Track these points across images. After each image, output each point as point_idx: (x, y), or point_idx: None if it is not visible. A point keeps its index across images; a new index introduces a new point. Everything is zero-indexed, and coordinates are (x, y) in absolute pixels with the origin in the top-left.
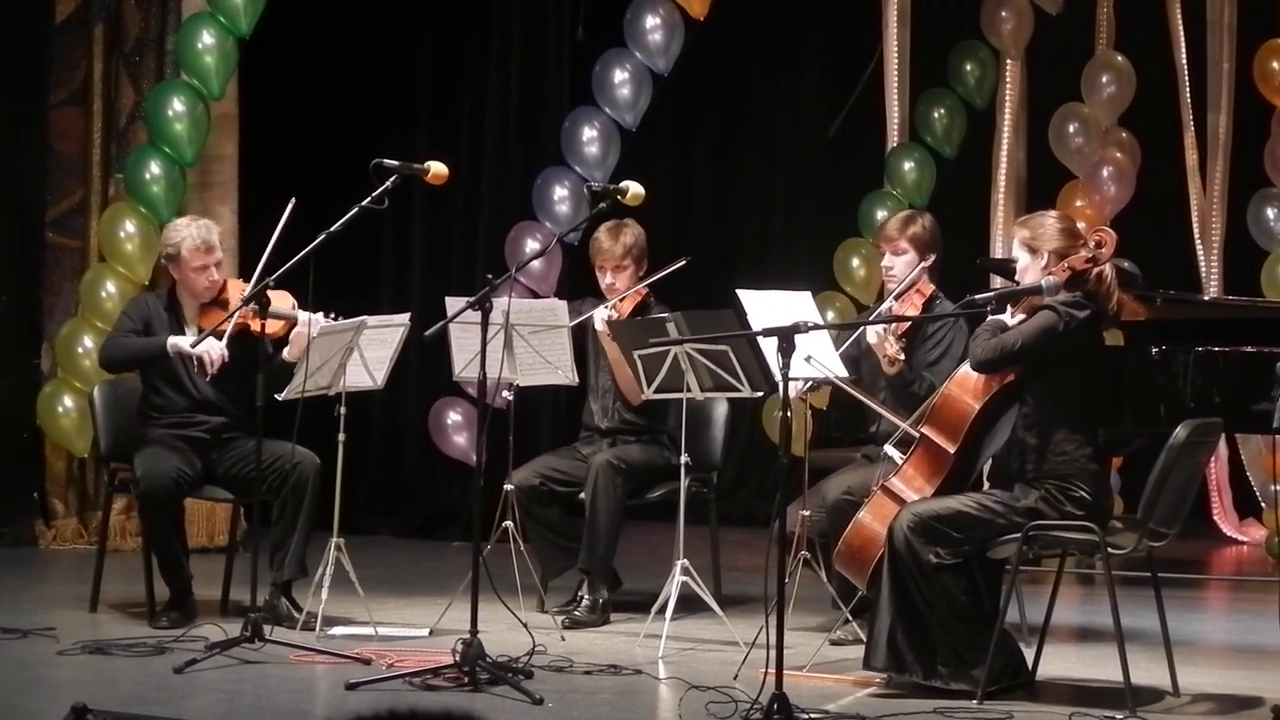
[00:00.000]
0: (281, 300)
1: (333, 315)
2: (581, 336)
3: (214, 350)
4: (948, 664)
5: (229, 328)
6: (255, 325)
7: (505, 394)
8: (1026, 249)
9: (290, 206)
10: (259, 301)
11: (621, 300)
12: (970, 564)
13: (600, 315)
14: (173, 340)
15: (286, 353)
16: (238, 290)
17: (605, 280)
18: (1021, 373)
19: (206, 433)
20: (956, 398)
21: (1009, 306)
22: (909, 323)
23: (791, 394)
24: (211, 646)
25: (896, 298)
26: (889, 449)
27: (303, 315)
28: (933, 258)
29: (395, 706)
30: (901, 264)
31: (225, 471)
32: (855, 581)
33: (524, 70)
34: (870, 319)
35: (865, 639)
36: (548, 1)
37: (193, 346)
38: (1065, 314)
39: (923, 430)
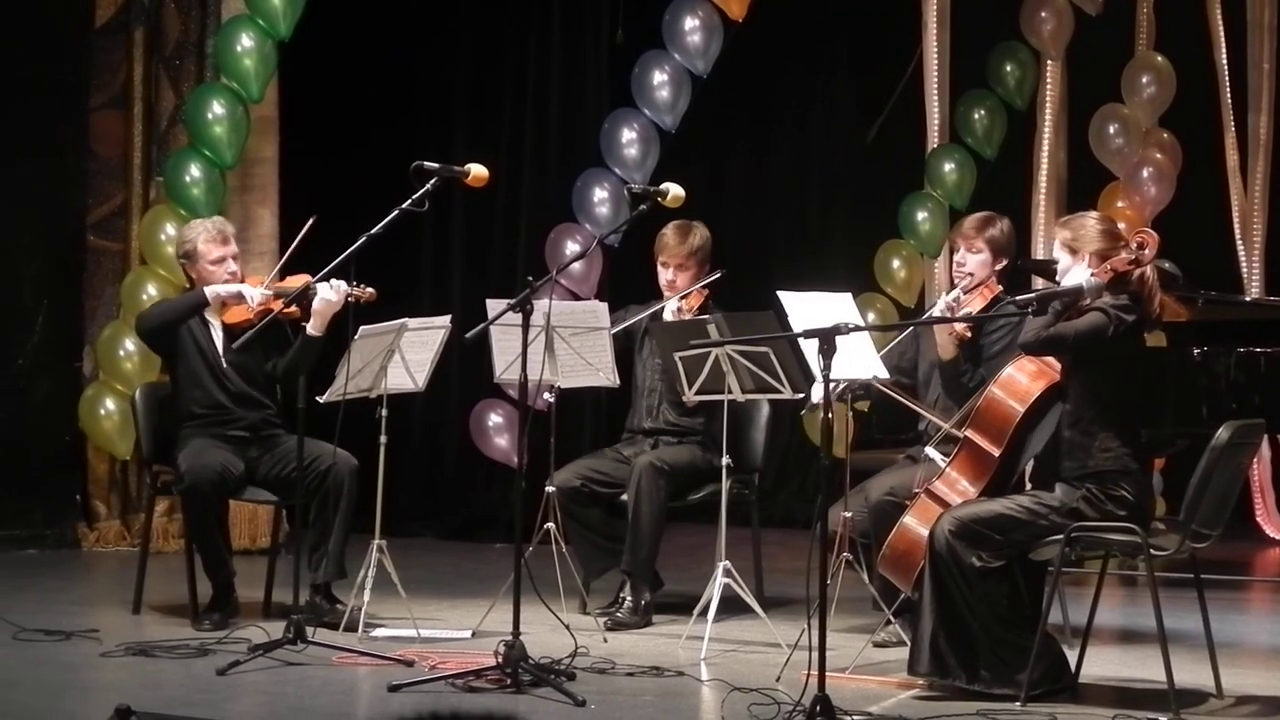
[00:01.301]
0: (294, 281)
1: (356, 284)
2: (626, 339)
3: (254, 295)
4: (990, 668)
5: (259, 325)
6: (278, 308)
7: (547, 396)
8: (1068, 250)
9: (310, 223)
10: (300, 302)
11: (685, 297)
12: (1012, 567)
13: (671, 307)
14: (209, 289)
15: (311, 327)
16: (254, 284)
17: (666, 276)
18: (1064, 374)
19: (246, 429)
20: (1002, 400)
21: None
22: (962, 321)
23: (832, 397)
24: (254, 648)
25: (965, 290)
26: (930, 450)
27: (321, 286)
28: (1005, 261)
29: (437, 709)
30: (975, 262)
31: (267, 473)
32: (900, 585)
33: (563, 72)
34: (925, 316)
35: (908, 641)
36: (586, 3)
37: (231, 286)
38: (1115, 317)
39: (966, 434)
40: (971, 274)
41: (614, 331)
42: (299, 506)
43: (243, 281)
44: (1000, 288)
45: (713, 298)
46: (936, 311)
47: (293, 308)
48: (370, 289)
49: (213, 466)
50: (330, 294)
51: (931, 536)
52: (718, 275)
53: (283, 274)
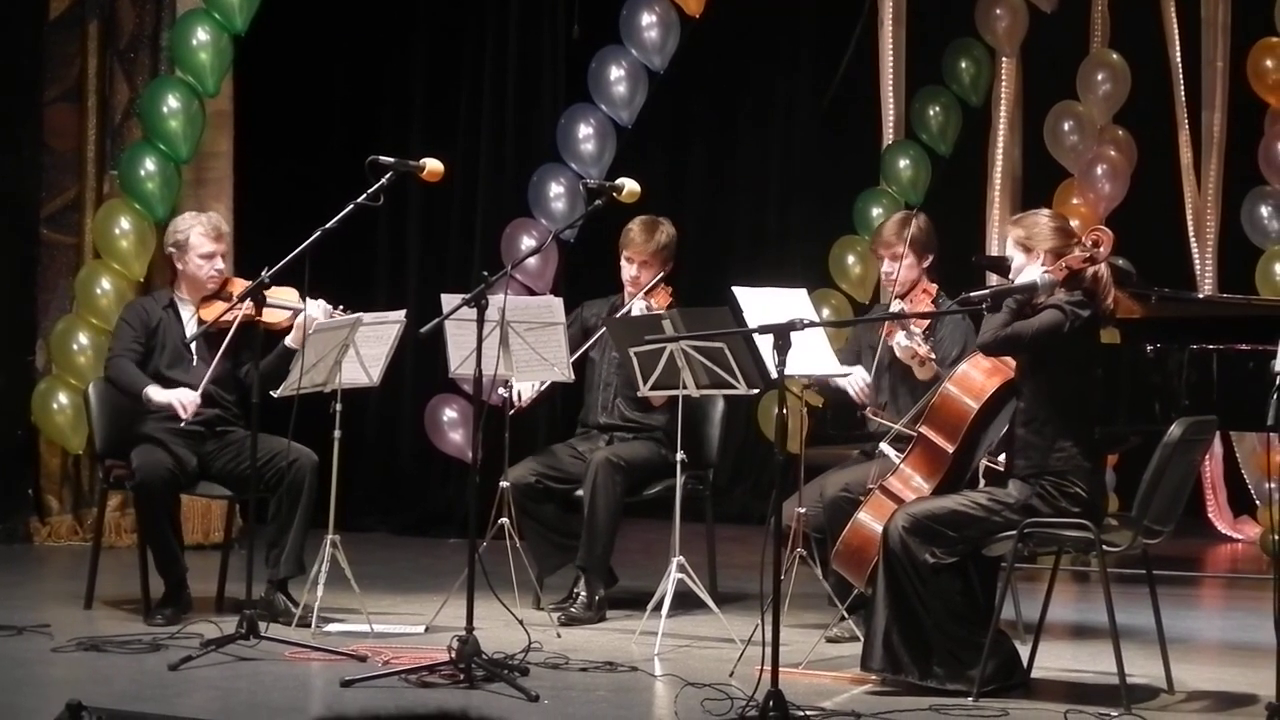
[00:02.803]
0: (286, 294)
1: (340, 308)
2: (580, 334)
3: (187, 401)
4: (944, 665)
5: (231, 331)
6: (259, 316)
7: (501, 391)
8: (1021, 249)
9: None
10: (255, 298)
11: (650, 292)
12: (966, 563)
13: (639, 306)
14: (146, 391)
15: (290, 339)
16: (238, 287)
17: (630, 272)
18: (1019, 371)
19: (201, 424)
20: (956, 398)
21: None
22: (917, 319)
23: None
24: (207, 643)
25: (901, 297)
26: (885, 447)
27: (309, 304)
28: (930, 257)
29: (389, 709)
30: (902, 269)
31: (221, 467)
32: (854, 581)
33: (520, 67)
34: (869, 317)
35: (861, 637)
36: None
37: (166, 394)
38: (1071, 313)
39: (921, 430)
40: (899, 282)
41: (584, 351)
42: (253, 502)
43: (225, 284)
44: (935, 285)
45: (677, 298)
46: (896, 344)
47: (277, 319)
48: (357, 314)
49: (164, 462)
50: (315, 313)
51: (885, 533)
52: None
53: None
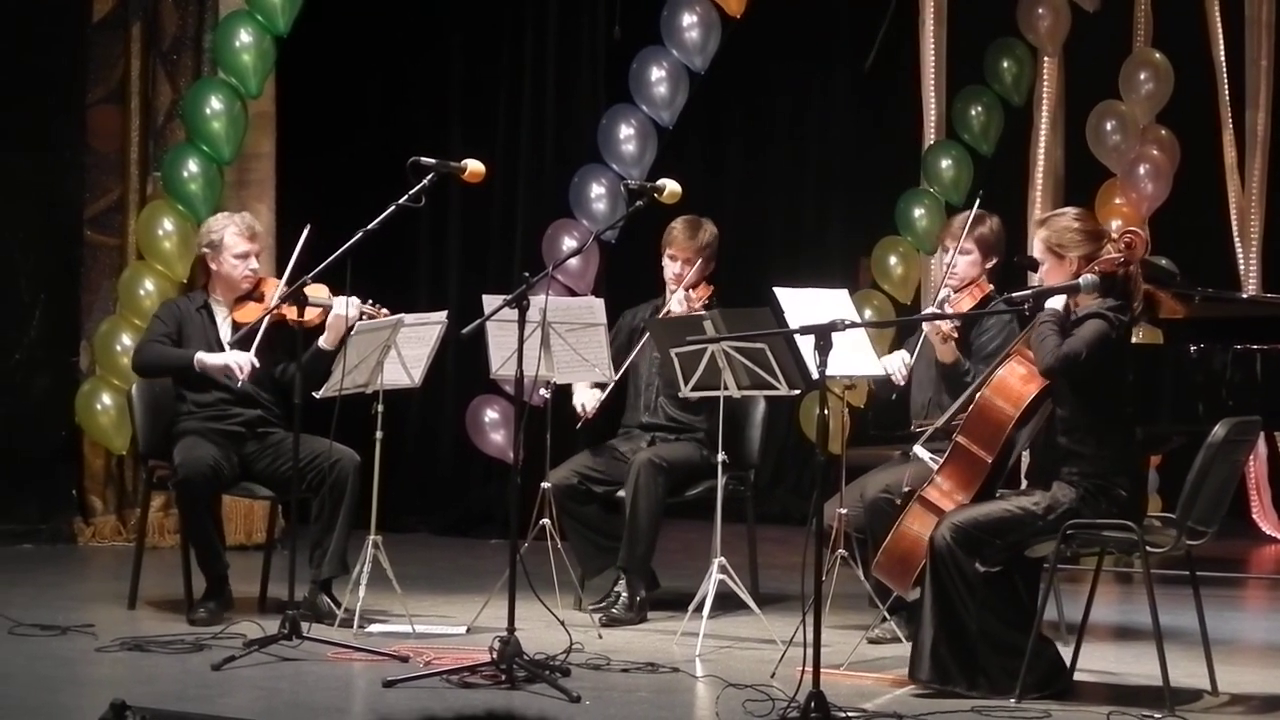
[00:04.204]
0: (317, 291)
1: (370, 302)
2: (628, 334)
3: (242, 361)
4: (990, 674)
5: (262, 327)
6: (292, 315)
7: (543, 391)
8: (1052, 253)
9: (306, 232)
10: (296, 301)
11: (692, 289)
12: (1011, 570)
13: (679, 298)
14: (199, 355)
15: (323, 340)
16: (273, 287)
17: (673, 269)
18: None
19: (242, 425)
20: (996, 406)
21: (1048, 302)
22: (955, 319)
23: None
24: (249, 644)
25: (955, 290)
26: (919, 449)
27: (338, 301)
28: (995, 260)
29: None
30: (964, 263)
31: (263, 468)
32: (897, 589)
33: (560, 68)
34: (922, 314)
35: (904, 638)
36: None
37: (220, 356)
38: (1115, 319)
39: (958, 439)
40: (958, 274)
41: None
42: (295, 502)
43: (259, 284)
44: (991, 286)
45: (717, 295)
46: (928, 325)
47: (307, 316)
48: (385, 309)
49: (205, 460)
50: (347, 310)
51: (932, 543)
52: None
53: (292, 280)
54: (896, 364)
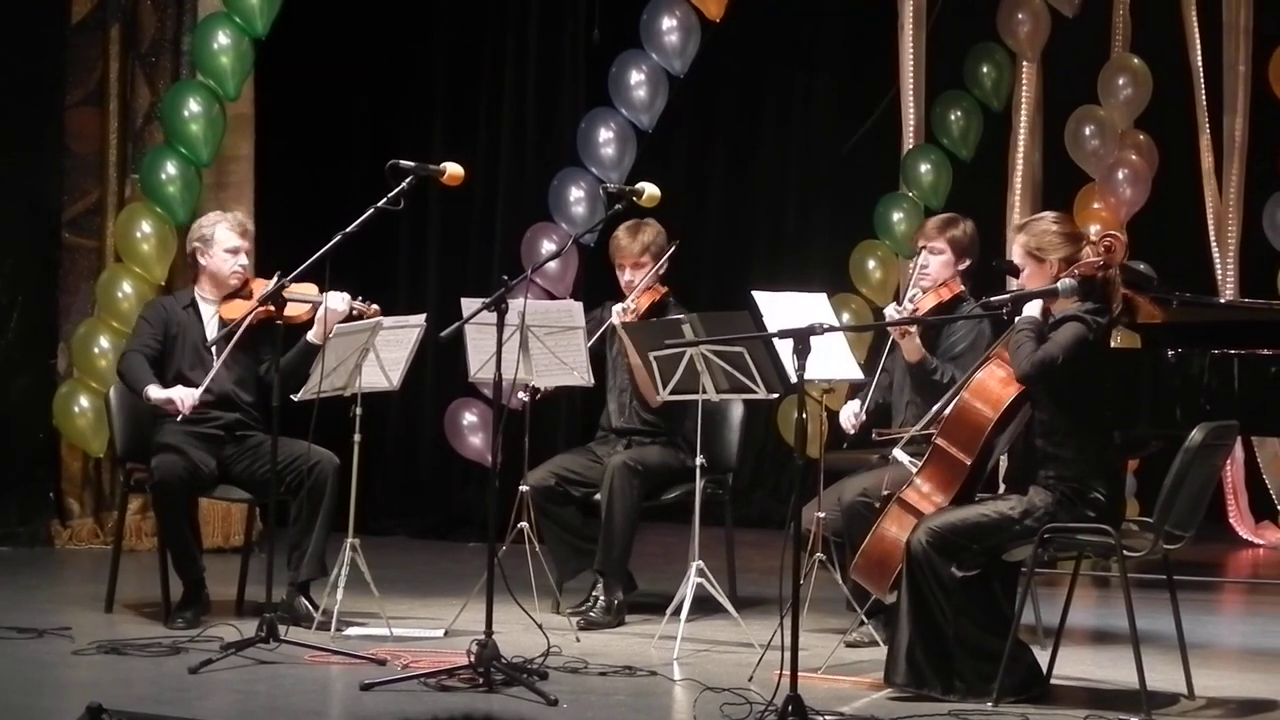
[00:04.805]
0: (305, 289)
1: (360, 299)
2: (599, 339)
3: (185, 397)
4: (966, 678)
5: (244, 324)
6: (281, 311)
7: (521, 395)
8: (1032, 258)
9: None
10: (275, 301)
11: (639, 295)
12: (989, 574)
13: (618, 309)
14: (148, 390)
15: (312, 334)
16: (261, 287)
17: (624, 278)
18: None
19: (220, 428)
20: (975, 408)
21: (1026, 306)
22: (929, 313)
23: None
24: (227, 646)
25: (923, 288)
26: (898, 453)
27: (331, 296)
28: (968, 262)
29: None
30: (937, 264)
31: (242, 471)
32: (874, 592)
33: (540, 71)
34: (889, 310)
35: (881, 642)
36: (564, 3)
37: (167, 391)
38: (1093, 323)
39: (938, 442)
40: (930, 275)
41: (594, 337)
42: (273, 505)
43: (247, 283)
44: (961, 287)
45: (672, 295)
46: (886, 311)
47: (296, 311)
48: (375, 305)
49: (182, 464)
50: (337, 304)
51: (909, 547)
52: (672, 249)
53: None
54: (847, 415)
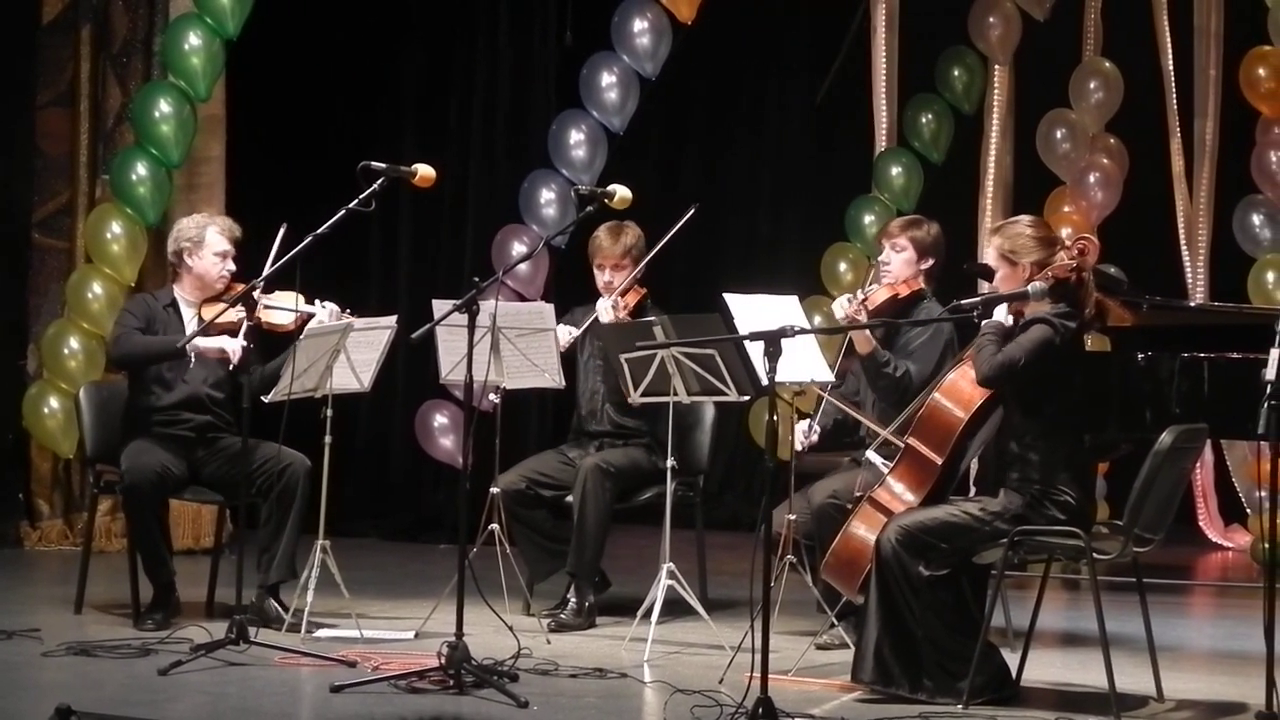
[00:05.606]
0: (285, 298)
1: (347, 310)
2: (573, 341)
3: (235, 346)
4: (934, 678)
5: (236, 321)
6: (266, 319)
7: (492, 397)
8: (1006, 261)
9: (282, 231)
10: (246, 303)
11: (624, 294)
12: (959, 575)
13: (604, 306)
14: (194, 340)
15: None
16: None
17: (603, 278)
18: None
19: (191, 430)
20: (945, 409)
21: (996, 309)
22: (883, 306)
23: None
24: (196, 648)
25: (880, 282)
26: (871, 455)
27: (322, 309)
28: (930, 261)
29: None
30: (898, 261)
31: (213, 473)
32: (844, 592)
33: (512, 73)
34: (840, 301)
35: (851, 644)
36: (535, 5)
37: (214, 339)
38: (1060, 326)
39: (909, 441)
40: (891, 272)
41: (563, 348)
42: (243, 507)
43: (230, 288)
44: (922, 285)
45: (650, 296)
46: (837, 309)
47: (284, 320)
48: (348, 320)
49: (153, 466)
50: (325, 315)
51: (878, 545)
52: (691, 212)
53: (269, 286)
54: (799, 434)
